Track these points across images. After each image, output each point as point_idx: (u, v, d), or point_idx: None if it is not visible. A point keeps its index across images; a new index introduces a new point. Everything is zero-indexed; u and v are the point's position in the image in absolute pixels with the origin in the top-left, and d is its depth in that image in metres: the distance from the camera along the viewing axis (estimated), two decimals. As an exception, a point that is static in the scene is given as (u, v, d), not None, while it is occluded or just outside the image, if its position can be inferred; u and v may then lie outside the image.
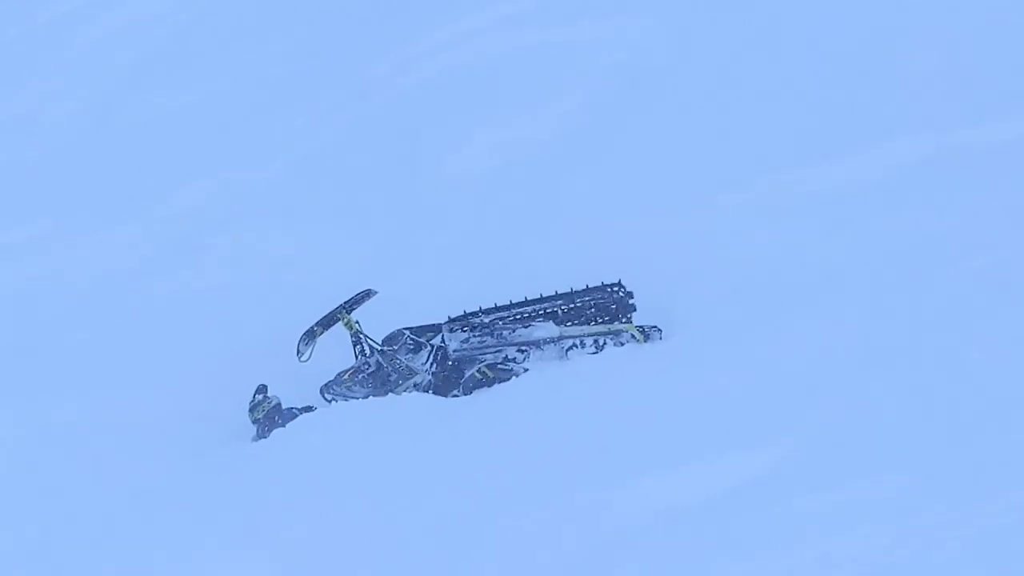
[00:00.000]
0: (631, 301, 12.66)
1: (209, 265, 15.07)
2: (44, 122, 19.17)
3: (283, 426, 12.30)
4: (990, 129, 13.51)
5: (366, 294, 12.82)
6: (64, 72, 20.23)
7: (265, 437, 12.38)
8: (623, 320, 12.64)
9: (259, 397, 12.58)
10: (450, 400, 12.36)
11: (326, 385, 12.70)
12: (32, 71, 20.47)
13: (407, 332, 12.73)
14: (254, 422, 12.57)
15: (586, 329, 12.60)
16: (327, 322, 12.74)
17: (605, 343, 12.52)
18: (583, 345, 12.55)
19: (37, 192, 17.39)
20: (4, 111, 19.72)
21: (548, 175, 14.92)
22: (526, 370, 12.48)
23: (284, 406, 12.58)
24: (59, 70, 20.31)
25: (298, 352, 12.69)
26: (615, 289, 12.70)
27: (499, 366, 12.53)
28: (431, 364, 12.63)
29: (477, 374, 12.53)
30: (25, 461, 11.85)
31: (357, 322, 12.74)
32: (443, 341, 12.65)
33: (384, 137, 16.18)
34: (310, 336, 12.71)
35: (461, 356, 12.57)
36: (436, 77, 16.77)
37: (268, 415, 12.52)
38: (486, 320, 12.66)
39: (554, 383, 12.01)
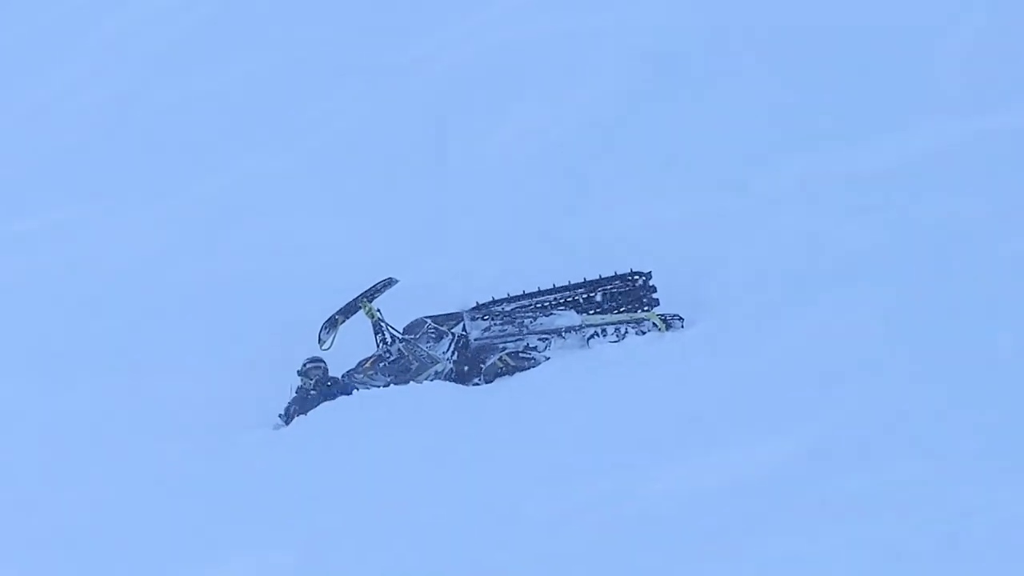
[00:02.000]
0: (654, 293, 12.65)
1: (233, 252, 15.10)
2: (68, 110, 19.25)
3: (305, 413, 12.33)
4: (1016, 114, 13.46)
5: (387, 283, 12.81)
6: (89, 61, 20.31)
7: (287, 423, 12.41)
8: (645, 309, 12.63)
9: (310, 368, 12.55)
10: (471, 388, 12.34)
11: (347, 373, 12.70)
12: (58, 60, 20.56)
13: (429, 320, 12.73)
14: (301, 380, 12.48)
15: (608, 318, 12.58)
16: (349, 310, 12.74)
17: (627, 332, 12.50)
18: (605, 334, 12.53)
19: (61, 179, 17.47)
20: (30, 99, 19.80)
21: (574, 162, 14.92)
22: (547, 358, 12.46)
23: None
24: (84, 59, 20.40)
25: (320, 340, 12.69)
26: (637, 278, 12.68)
27: (520, 354, 12.52)
28: (453, 352, 12.61)
29: (499, 362, 12.51)
30: (51, 445, 11.86)
31: (378, 310, 12.73)
32: (465, 329, 12.64)
33: (410, 124, 16.20)
34: (332, 325, 12.71)
35: (483, 344, 12.56)
36: (464, 64, 16.79)
37: (306, 398, 12.50)
38: (508, 309, 12.66)
39: (576, 371, 11.99)
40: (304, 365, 12.57)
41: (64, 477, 11.07)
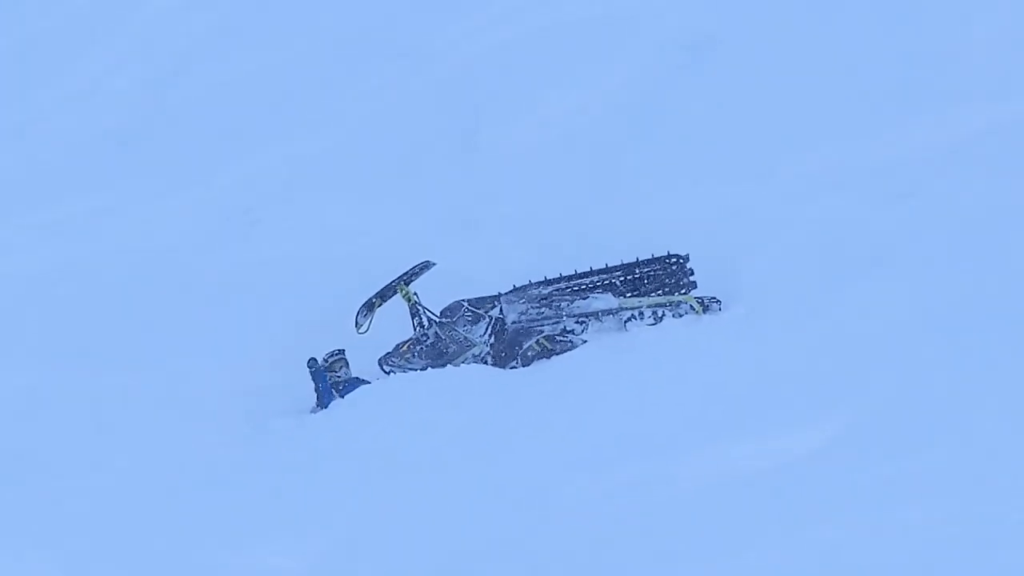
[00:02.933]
0: (691, 276, 12.61)
1: (266, 238, 15.13)
2: (102, 97, 19.29)
3: (341, 396, 12.36)
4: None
5: (424, 266, 12.80)
6: (123, 47, 20.33)
7: (325, 407, 12.44)
8: (682, 292, 12.60)
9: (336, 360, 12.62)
10: (509, 371, 12.34)
11: (384, 356, 12.71)
12: (92, 45, 20.58)
13: (465, 304, 12.72)
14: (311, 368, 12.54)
15: (645, 300, 12.54)
16: (385, 294, 12.74)
17: (664, 314, 12.46)
18: (642, 316, 12.50)
19: (94, 166, 17.52)
20: (65, 85, 19.84)
21: (606, 146, 14.88)
22: (584, 341, 12.45)
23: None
24: (118, 45, 20.42)
25: (356, 324, 12.71)
26: (674, 261, 12.64)
27: (557, 337, 12.51)
28: (489, 335, 12.60)
29: (535, 345, 12.51)
30: (80, 432, 11.94)
31: (415, 294, 12.74)
32: (501, 312, 12.62)
33: (444, 109, 16.17)
34: (368, 308, 12.72)
35: (519, 328, 12.55)
36: (496, 50, 16.73)
37: (335, 383, 12.54)
38: (545, 292, 12.64)
39: (613, 354, 11.98)
40: (327, 359, 12.60)
41: (93, 463, 11.15)
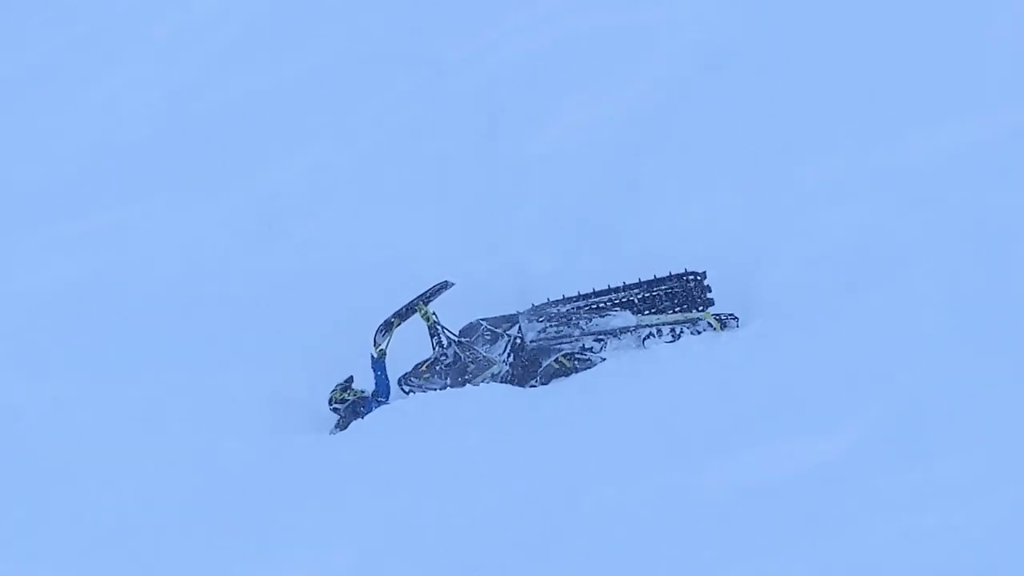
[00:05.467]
0: (708, 293, 12.65)
1: (287, 250, 15.14)
2: (127, 108, 19.36)
3: (362, 417, 12.38)
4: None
5: (443, 286, 12.84)
6: (148, 58, 20.42)
7: (344, 428, 12.46)
8: (700, 309, 12.63)
9: (343, 387, 12.66)
10: (528, 390, 12.37)
11: (404, 376, 12.74)
12: (118, 55, 20.67)
13: (484, 323, 12.75)
14: (333, 410, 12.64)
15: (663, 318, 12.59)
16: (404, 313, 12.76)
17: (682, 331, 12.51)
18: (660, 334, 12.54)
19: (120, 177, 17.56)
20: (89, 96, 19.91)
21: (623, 158, 14.86)
22: (603, 359, 12.49)
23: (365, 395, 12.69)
24: (143, 56, 20.51)
25: (375, 344, 12.73)
26: (692, 278, 12.69)
27: (577, 356, 12.55)
28: (509, 354, 12.63)
29: (555, 364, 12.55)
30: (107, 442, 11.94)
31: (434, 313, 12.76)
32: (520, 331, 12.66)
33: (462, 120, 16.21)
34: (387, 328, 12.74)
35: (539, 346, 12.59)
36: (515, 61, 16.76)
37: (350, 406, 12.58)
38: (563, 310, 12.69)
39: (632, 371, 12.01)
40: (343, 385, 12.66)
41: (119, 474, 11.15)
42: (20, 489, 11.12)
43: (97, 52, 20.81)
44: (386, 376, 12.65)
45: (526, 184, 15.06)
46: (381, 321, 12.68)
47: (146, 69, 20.13)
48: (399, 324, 12.73)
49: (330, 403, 12.72)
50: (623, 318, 12.62)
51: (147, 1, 21.95)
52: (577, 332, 12.56)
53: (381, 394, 12.60)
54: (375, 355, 12.62)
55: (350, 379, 12.76)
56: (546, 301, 12.77)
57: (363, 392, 12.70)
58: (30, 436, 12.16)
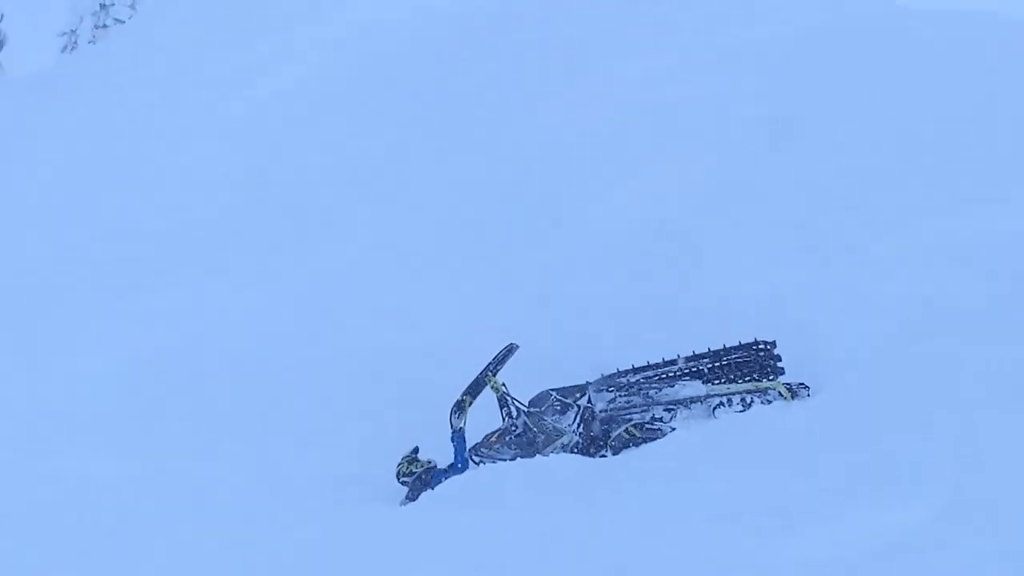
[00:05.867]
0: (779, 361, 12.60)
1: (358, 323, 15.23)
2: (200, 185, 19.62)
3: (432, 488, 12.37)
4: None
5: (509, 350, 12.84)
6: (219, 135, 20.70)
7: (414, 500, 12.47)
8: (770, 378, 12.58)
9: (410, 459, 12.69)
10: (598, 460, 12.33)
11: (474, 447, 12.75)
12: (189, 135, 20.98)
13: (553, 393, 12.76)
14: (402, 483, 12.66)
15: (733, 387, 12.56)
16: (475, 390, 12.77)
17: (752, 401, 12.46)
18: (730, 403, 12.51)
19: (195, 252, 17.78)
20: (161, 175, 20.20)
21: (690, 228, 14.91)
22: (673, 429, 12.45)
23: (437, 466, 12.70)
24: (215, 133, 20.80)
25: (451, 425, 12.71)
26: (761, 347, 12.65)
27: (647, 425, 12.52)
28: (578, 424, 12.63)
29: (625, 434, 12.52)
30: (171, 515, 11.97)
31: (503, 384, 12.78)
32: (590, 401, 12.66)
33: (524, 194, 16.30)
34: (460, 408, 12.72)
35: (608, 416, 12.58)
36: (578, 130, 16.87)
37: (419, 478, 12.61)
38: (632, 380, 12.68)
39: (702, 442, 11.93)
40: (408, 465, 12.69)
41: (182, 552, 11.16)
42: (95, 565, 11.15)
43: (173, 130, 21.14)
44: (464, 451, 12.67)
45: (591, 256, 15.10)
46: (454, 400, 12.72)
47: (220, 146, 20.42)
48: (471, 402, 12.75)
49: (398, 476, 12.75)
50: (693, 387, 12.60)
51: (220, 79, 22.30)
52: (647, 402, 12.55)
53: (458, 468, 12.60)
54: (453, 432, 12.67)
55: (415, 450, 12.79)
56: (615, 371, 12.78)
57: (430, 463, 12.72)
58: (92, 515, 12.22)
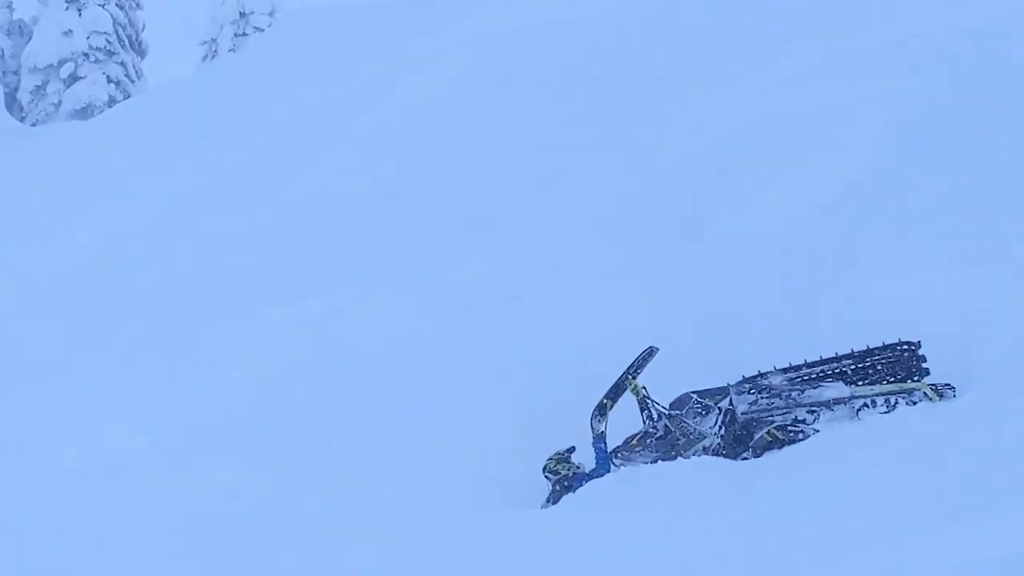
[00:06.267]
0: (924, 362, 12.40)
1: (499, 329, 15.27)
2: (334, 196, 19.82)
3: (573, 491, 12.35)
4: None
5: (649, 352, 12.76)
6: (356, 146, 20.89)
7: (555, 503, 12.46)
8: (915, 379, 12.39)
9: (562, 457, 12.69)
10: (740, 463, 12.23)
11: (614, 450, 12.71)
12: (323, 149, 21.19)
13: (694, 395, 12.68)
14: (546, 477, 12.66)
15: (877, 388, 12.36)
16: (616, 393, 12.70)
17: (897, 402, 12.27)
18: (874, 405, 12.32)
19: (330, 264, 17.96)
20: (299, 187, 20.43)
21: (834, 234, 14.76)
22: (816, 431, 12.29)
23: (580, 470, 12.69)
24: (351, 144, 20.99)
25: (592, 428, 12.67)
26: (906, 347, 12.45)
27: (789, 428, 12.37)
28: (720, 427, 12.53)
29: (767, 436, 12.39)
30: (318, 531, 12.11)
31: (644, 387, 12.72)
32: (731, 404, 12.55)
33: (667, 200, 16.23)
34: (601, 412, 12.66)
35: (750, 418, 12.45)
36: (719, 139, 16.77)
37: (562, 479, 12.60)
38: (775, 382, 12.54)
39: (846, 443, 11.79)
40: (556, 464, 12.68)
41: (330, 563, 11.26)
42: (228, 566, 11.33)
43: (303, 144, 21.36)
44: (606, 454, 12.64)
45: (733, 260, 15.00)
46: (595, 404, 12.68)
47: (350, 159, 20.61)
48: (612, 405, 12.68)
49: (544, 470, 12.76)
50: (836, 389, 12.42)
51: (349, 94, 22.48)
52: (789, 404, 12.41)
53: (598, 471, 12.57)
54: (594, 436, 12.63)
55: (571, 450, 12.78)
56: (757, 373, 12.65)
57: (578, 467, 12.70)
58: (238, 526, 12.41)
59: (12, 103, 43.94)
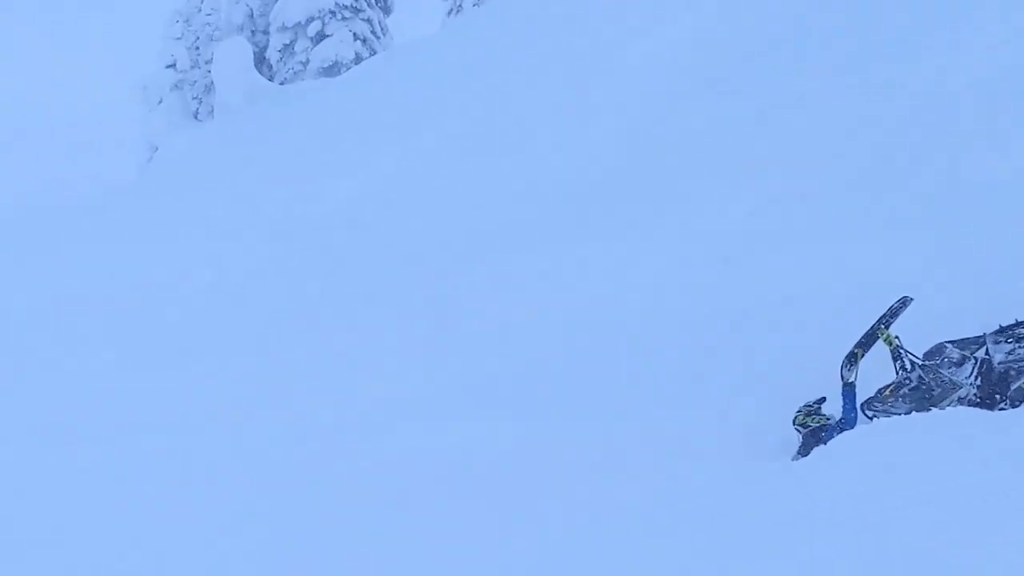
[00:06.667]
0: None
1: (759, 280, 15.19)
2: (581, 150, 19.89)
3: (824, 443, 12.24)
4: None
5: (902, 303, 12.52)
6: (601, 96, 20.91)
7: (805, 455, 12.36)
8: None
9: (811, 409, 12.59)
10: (998, 413, 11.91)
11: (867, 401, 12.49)
12: (568, 98, 21.22)
13: (949, 345, 12.41)
14: (796, 430, 12.58)
15: None
16: (867, 342, 12.49)
17: None
18: None
19: (575, 216, 18.03)
20: (533, 148, 20.53)
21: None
22: (1078, 380, 11.97)
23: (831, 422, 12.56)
24: (598, 95, 21.02)
25: (842, 377, 12.52)
26: None
27: (1048, 377, 12.07)
28: (976, 377, 12.25)
29: (1024, 386, 12.11)
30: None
31: (897, 337, 12.49)
32: (988, 353, 12.25)
33: (927, 143, 15.90)
34: (852, 360, 12.48)
35: (1007, 368, 12.15)
36: (976, 82, 16.34)
37: (813, 431, 12.49)
38: (1035, 330, 12.24)
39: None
40: (806, 416, 12.55)
41: (591, 494, 11.36)
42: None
43: (549, 97, 21.36)
44: (854, 405, 12.48)
45: (991, 208, 14.63)
46: (846, 352, 12.53)
47: (599, 110, 20.63)
48: (863, 354, 12.48)
49: (794, 422, 12.66)
50: (1100, 339, 12.09)
51: (619, 27, 22.39)
52: (1049, 353, 12.10)
53: (847, 422, 12.43)
54: (843, 385, 12.49)
55: (821, 400, 12.65)
56: (1015, 322, 12.34)
57: (828, 418, 12.55)
58: (511, 465, 12.61)
59: (261, 62, 45.02)
